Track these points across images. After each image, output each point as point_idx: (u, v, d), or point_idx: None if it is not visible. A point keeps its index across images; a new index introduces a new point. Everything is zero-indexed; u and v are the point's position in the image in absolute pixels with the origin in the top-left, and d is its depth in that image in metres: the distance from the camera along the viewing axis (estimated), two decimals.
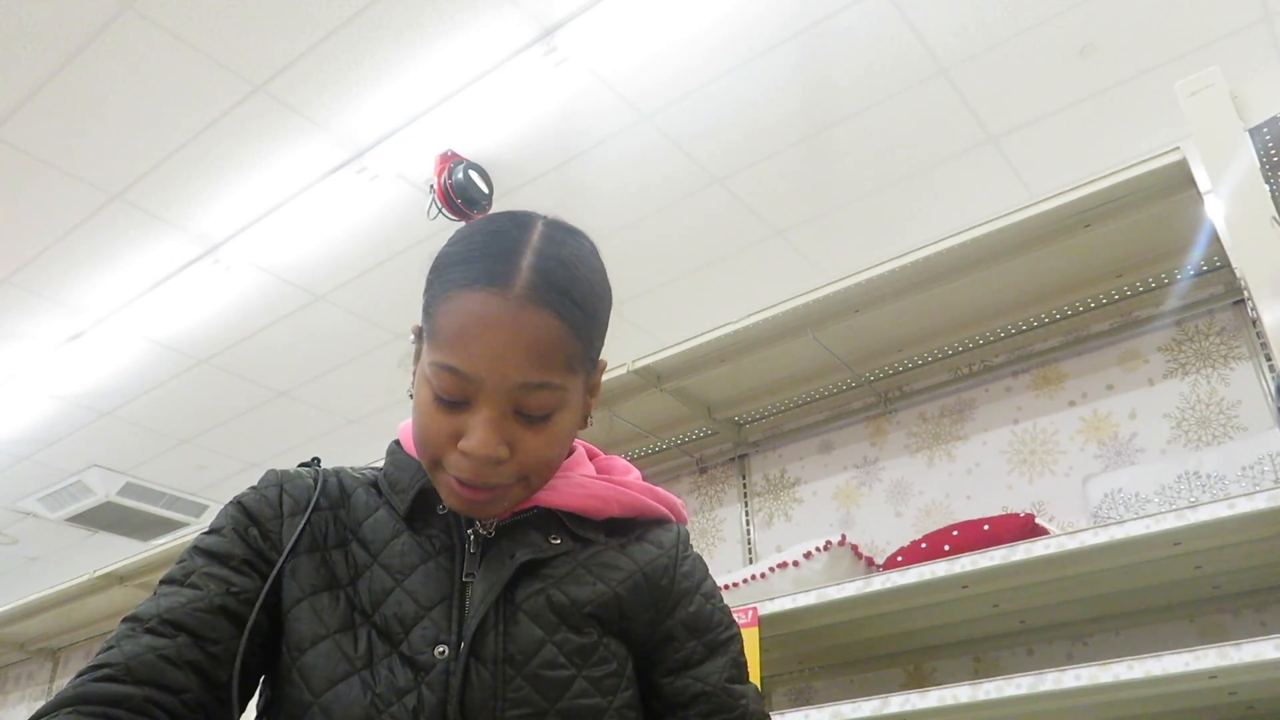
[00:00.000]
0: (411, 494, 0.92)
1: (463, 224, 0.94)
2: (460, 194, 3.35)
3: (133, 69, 3.03)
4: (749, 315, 2.39)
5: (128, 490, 5.56)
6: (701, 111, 3.28)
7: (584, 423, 0.95)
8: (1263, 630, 1.87)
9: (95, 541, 6.13)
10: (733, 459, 2.86)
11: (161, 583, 0.89)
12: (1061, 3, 2.92)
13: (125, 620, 0.86)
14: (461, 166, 3.35)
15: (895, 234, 3.76)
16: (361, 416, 4.97)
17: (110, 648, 0.83)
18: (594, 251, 0.93)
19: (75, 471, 5.47)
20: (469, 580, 0.88)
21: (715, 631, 0.96)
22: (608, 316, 0.94)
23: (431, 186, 3.40)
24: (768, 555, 2.45)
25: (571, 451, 1.01)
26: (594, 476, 0.99)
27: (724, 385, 2.66)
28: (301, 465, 0.99)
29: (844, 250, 3.91)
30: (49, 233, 3.71)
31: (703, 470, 2.91)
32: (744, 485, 2.82)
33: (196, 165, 3.41)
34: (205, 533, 0.93)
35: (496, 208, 3.50)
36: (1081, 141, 3.43)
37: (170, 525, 5.91)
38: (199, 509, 5.88)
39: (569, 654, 0.87)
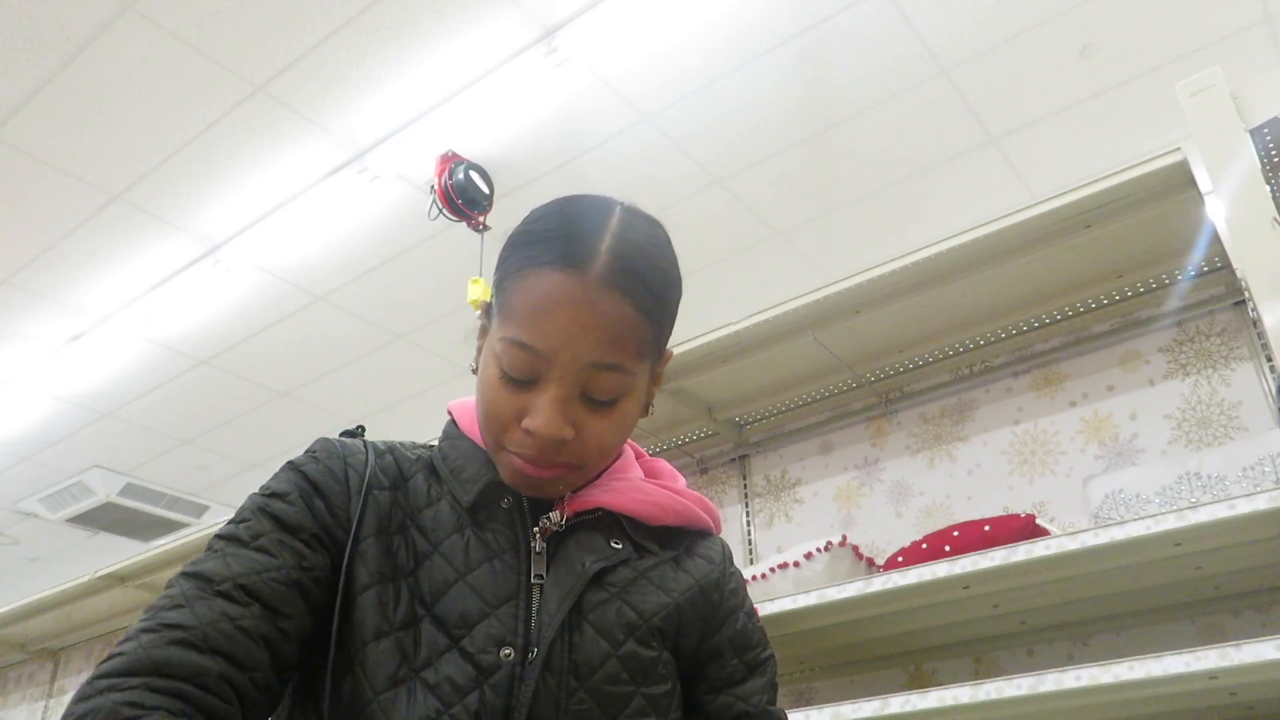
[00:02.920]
0: (478, 485, 0.90)
1: (538, 207, 0.92)
2: (461, 194, 3.35)
3: (133, 70, 3.03)
4: (750, 316, 2.39)
5: (128, 491, 5.56)
6: (702, 112, 3.29)
7: (646, 410, 0.94)
8: (1263, 631, 1.86)
9: (96, 542, 6.13)
10: (733, 459, 2.86)
11: (221, 538, 0.83)
12: (1062, 3, 2.92)
13: (188, 576, 0.80)
14: (462, 167, 3.35)
15: (896, 235, 3.76)
16: (362, 417, 4.98)
17: (179, 605, 0.77)
18: (668, 241, 0.93)
19: (76, 472, 5.47)
20: (537, 582, 0.87)
21: (755, 651, 0.97)
22: (678, 305, 0.93)
23: (432, 187, 3.40)
24: (768, 556, 2.45)
25: (621, 453, 1.00)
26: (652, 482, 0.98)
27: (724, 386, 2.66)
28: (345, 434, 0.95)
29: (844, 251, 3.91)
30: (50, 233, 3.71)
31: (703, 471, 2.91)
32: (744, 486, 2.82)
33: (197, 166, 3.42)
34: (269, 495, 0.86)
35: (497, 209, 3.50)
36: (1082, 142, 3.43)
37: (171, 526, 5.91)
38: (200, 510, 5.88)
39: (632, 670, 0.86)
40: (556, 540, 0.90)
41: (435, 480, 0.92)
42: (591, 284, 0.82)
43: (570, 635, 0.84)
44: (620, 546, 0.91)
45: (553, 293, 0.82)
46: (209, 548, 0.83)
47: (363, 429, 0.97)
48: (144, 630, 0.75)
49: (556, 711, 0.82)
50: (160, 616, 0.76)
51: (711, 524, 1.01)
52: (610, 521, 0.93)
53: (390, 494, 0.90)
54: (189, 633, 0.74)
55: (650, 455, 1.06)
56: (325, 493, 0.87)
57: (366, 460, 0.91)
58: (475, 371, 0.91)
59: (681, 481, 1.03)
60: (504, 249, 0.90)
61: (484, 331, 0.91)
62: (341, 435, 0.95)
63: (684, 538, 0.98)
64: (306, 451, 0.91)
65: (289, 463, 0.90)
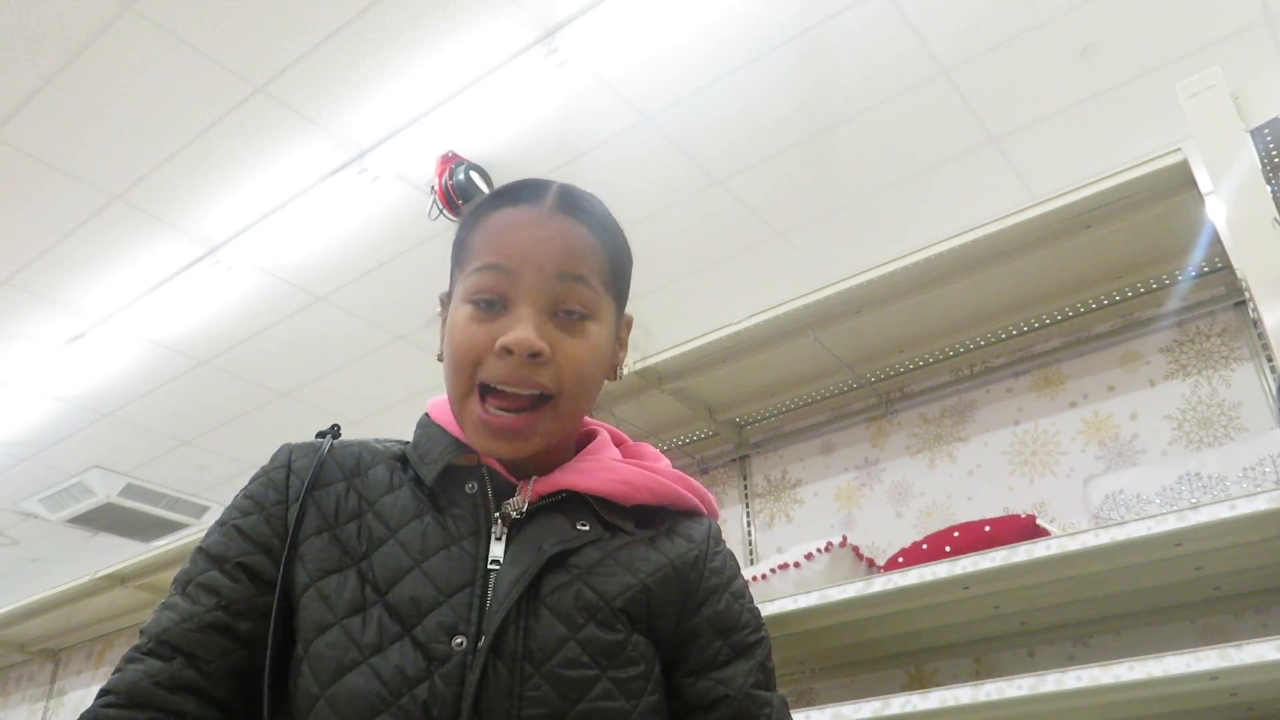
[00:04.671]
0: (440, 465, 0.90)
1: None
2: (461, 195, 3.35)
3: (133, 70, 3.03)
4: (750, 316, 2.39)
5: (128, 491, 5.56)
6: (703, 112, 3.28)
7: (613, 373, 0.96)
8: (1264, 631, 1.87)
9: (96, 542, 6.13)
10: (734, 460, 2.86)
11: (173, 583, 0.90)
12: (1063, 4, 2.92)
13: (139, 633, 0.88)
14: (462, 167, 3.35)
15: (896, 235, 3.76)
16: (363, 417, 4.97)
17: (118, 670, 0.85)
18: (617, 220, 0.99)
19: (76, 472, 5.47)
20: (493, 568, 0.85)
21: (742, 633, 0.93)
22: (630, 267, 0.98)
23: (432, 187, 3.40)
24: (769, 556, 2.45)
25: (595, 435, 0.99)
26: (624, 461, 0.96)
27: (725, 386, 2.66)
28: (320, 434, 0.98)
29: (845, 251, 3.91)
30: (50, 234, 3.71)
31: (704, 471, 2.91)
32: (745, 486, 2.82)
33: (197, 166, 3.42)
34: (214, 524, 0.93)
35: None
36: (1083, 142, 3.43)
37: (171, 526, 5.91)
38: (200, 510, 5.88)
39: (594, 653, 0.83)
40: (520, 525, 0.88)
41: (400, 468, 0.93)
42: (547, 209, 0.90)
43: (526, 620, 0.83)
44: (587, 528, 0.89)
45: (513, 218, 0.90)
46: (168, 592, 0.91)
47: (336, 428, 0.99)
48: (95, 698, 0.85)
49: (509, 699, 0.80)
50: (106, 684, 0.86)
51: (697, 502, 0.98)
52: (578, 503, 0.90)
53: (343, 485, 0.92)
54: (116, 696, 0.84)
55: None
56: (263, 504, 0.92)
57: (315, 460, 0.93)
58: (441, 359, 0.94)
59: (665, 463, 1.00)
60: (459, 230, 0.96)
61: (444, 322, 0.95)
62: (317, 435, 0.98)
63: (667, 517, 0.95)
64: (266, 463, 0.96)
65: (247, 483, 0.95)
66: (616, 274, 0.94)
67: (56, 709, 4.51)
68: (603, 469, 0.93)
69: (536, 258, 0.87)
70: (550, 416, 0.88)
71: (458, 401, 0.90)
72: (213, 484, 5.69)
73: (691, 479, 1.00)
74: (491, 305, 0.88)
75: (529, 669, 0.81)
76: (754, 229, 3.82)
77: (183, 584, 0.89)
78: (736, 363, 2.52)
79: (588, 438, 0.99)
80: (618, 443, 1.02)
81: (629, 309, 1.00)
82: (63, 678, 4.61)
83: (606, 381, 0.96)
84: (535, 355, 0.86)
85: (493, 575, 0.85)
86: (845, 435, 2.68)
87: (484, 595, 0.84)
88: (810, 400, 2.70)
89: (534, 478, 0.91)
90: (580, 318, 0.89)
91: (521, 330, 0.85)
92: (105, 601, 4.01)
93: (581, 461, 0.94)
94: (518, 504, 0.89)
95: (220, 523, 0.92)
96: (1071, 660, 2.07)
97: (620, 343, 0.97)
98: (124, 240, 3.76)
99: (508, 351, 0.85)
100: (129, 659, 0.86)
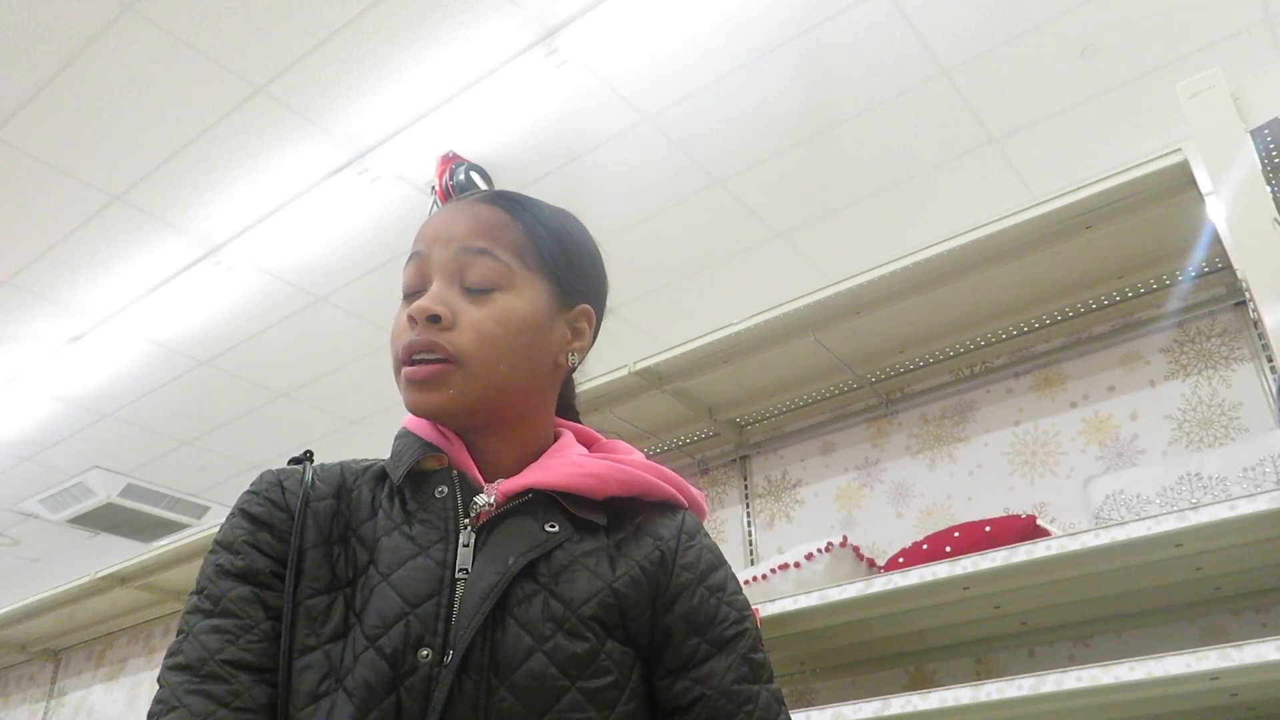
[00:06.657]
0: (406, 466, 0.91)
1: None
2: (461, 195, 3.35)
3: (134, 71, 3.03)
4: (750, 317, 2.39)
5: (129, 491, 5.56)
6: (703, 113, 3.29)
7: (565, 360, 0.96)
8: (1264, 632, 1.87)
9: (97, 543, 6.13)
10: (734, 460, 2.86)
11: (189, 613, 0.85)
12: (1063, 4, 2.92)
13: (173, 670, 0.82)
14: (463, 168, 3.35)
15: (896, 235, 3.76)
16: (363, 417, 4.98)
17: (173, 708, 0.79)
18: (577, 221, 1.03)
19: (77, 473, 5.47)
20: (460, 577, 0.84)
21: (720, 627, 0.88)
22: (583, 260, 1.00)
23: (433, 188, 3.40)
24: (769, 556, 2.45)
25: (559, 435, 0.99)
26: (594, 455, 0.95)
27: (725, 386, 2.66)
28: (293, 461, 0.96)
29: (845, 251, 3.91)
30: (50, 234, 3.71)
31: (704, 471, 2.91)
32: (745, 486, 2.82)
33: (198, 167, 3.42)
34: (218, 550, 0.89)
35: None
36: (1083, 143, 3.43)
37: (172, 527, 5.91)
38: (200, 510, 5.88)
39: (561, 664, 0.82)
40: (487, 530, 0.87)
41: (379, 487, 0.93)
42: (466, 202, 0.97)
43: (492, 633, 0.82)
44: (556, 529, 0.87)
45: (435, 215, 0.99)
46: (180, 629, 0.85)
47: (310, 454, 0.97)
48: None
49: (475, 712, 0.79)
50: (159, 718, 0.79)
51: (673, 492, 0.96)
52: (547, 503, 0.89)
53: (332, 503, 0.91)
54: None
55: (649, 456, 1.04)
56: (269, 523, 0.89)
57: (303, 478, 0.92)
58: None
59: (637, 456, 0.99)
60: None
61: None
62: (290, 462, 0.96)
63: (642, 510, 0.93)
64: (248, 488, 0.94)
65: (236, 504, 0.92)
66: (548, 257, 0.95)
67: (57, 709, 4.51)
68: (567, 464, 0.92)
69: (443, 237, 0.94)
70: (462, 373, 0.89)
71: (397, 380, 0.92)
72: (213, 484, 5.69)
73: (669, 471, 0.98)
74: (414, 294, 0.93)
75: (495, 681, 0.80)
76: (754, 229, 3.82)
77: (210, 608, 0.85)
78: (736, 363, 2.52)
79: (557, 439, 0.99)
80: (589, 441, 1.01)
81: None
82: (63, 678, 4.61)
83: (575, 373, 1.01)
84: (434, 319, 0.89)
85: (460, 584, 0.84)
86: (845, 435, 2.68)
87: (450, 605, 0.83)
88: (810, 400, 2.70)
89: (500, 480, 0.91)
90: (488, 288, 0.91)
91: (423, 299, 0.90)
92: (105, 601, 4.01)
93: (547, 459, 0.93)
94: (484, 502, 0.88)
95: (227, 546, 0.88)
96: (1071, 660, 2.07)
97: (575, 332, 0.97)
98: (124, 240, 3.76)
99: (412, 321, 0.90)
100: (186, 689, 0.80)
